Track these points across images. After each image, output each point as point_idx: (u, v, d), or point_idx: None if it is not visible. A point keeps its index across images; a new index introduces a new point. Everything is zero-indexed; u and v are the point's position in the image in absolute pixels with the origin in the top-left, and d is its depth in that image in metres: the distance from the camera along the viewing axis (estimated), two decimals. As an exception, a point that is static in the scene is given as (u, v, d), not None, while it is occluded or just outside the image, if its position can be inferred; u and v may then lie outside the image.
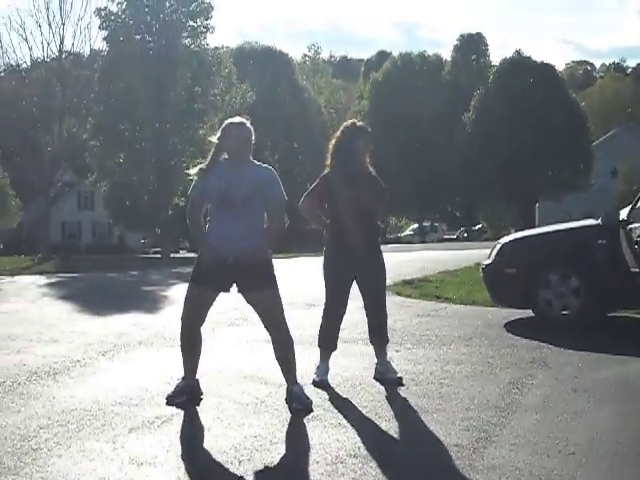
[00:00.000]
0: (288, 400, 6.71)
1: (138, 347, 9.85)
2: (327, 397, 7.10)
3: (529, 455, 5.38)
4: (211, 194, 6.67)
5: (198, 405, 6.79)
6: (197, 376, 6.95)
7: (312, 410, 6.56)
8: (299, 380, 6.83)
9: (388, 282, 8.20)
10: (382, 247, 7.87)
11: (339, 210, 7.63)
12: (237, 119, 6.87)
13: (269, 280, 6.66)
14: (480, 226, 74.39)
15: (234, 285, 6.71)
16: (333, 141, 7.68)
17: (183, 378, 6.92)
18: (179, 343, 6.95)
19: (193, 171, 6.89)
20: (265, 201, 6.66)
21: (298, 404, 6.62)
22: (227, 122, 6.82)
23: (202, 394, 6.96)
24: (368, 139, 7.64)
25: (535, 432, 5.92)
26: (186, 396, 6.83)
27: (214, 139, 6.80)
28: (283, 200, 6.72)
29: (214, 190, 6.63)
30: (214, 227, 6.72)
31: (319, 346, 7.78)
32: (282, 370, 6.81)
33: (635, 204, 10.59)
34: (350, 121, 7.88)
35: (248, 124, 6.77)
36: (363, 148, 7.58)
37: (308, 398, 6.71)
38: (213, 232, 6.71)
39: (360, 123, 7.90)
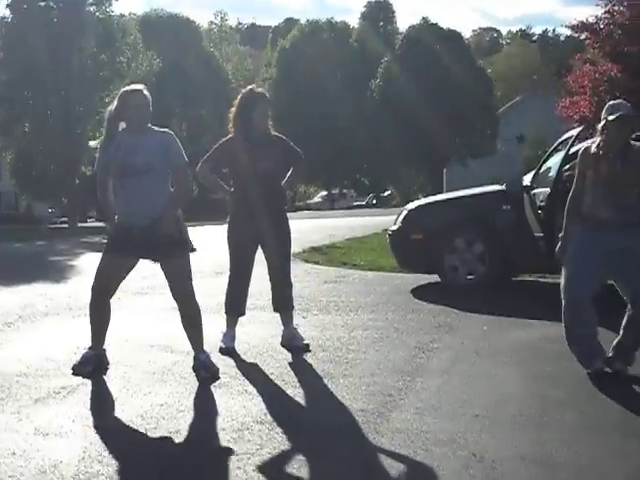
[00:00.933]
0: (195, 368, 6.67)
1: (44, 318, 9.68)
2: (234, 364, 7.08)
3: (434, 418, 5.43)
4: (113, 165, 6.57)
5: (105, 375, 6.71)
6: (104, 346, 6.86)
7: (219, 377, 6.54)
8: (206, 348, 6.79)
9: (296, 249, 8.21)
10: (291, 214, 7.85)
11: (240, 176, 7.59)
12: (133, 86, 6.75)
13: (177, 248, 6.59)
14: (389, 193, 74.84)
15: (152, 256, 6.64)
16: (233, 108, 7.61)
17: (90, 348, 6.83)
18: (87, 312, 6.85)
19: (94, 143, 6.79)
20: (170, 167, 6.59)
21: (205, 372, 6.59)
22: (123, 90, 6.72)
23: (109, 363, 6.88)
24: (266, 104, 7.58)
25: (440, 396, 5.99)
26: (92, 366, 6.74)
27: (112, 108, 6.67)
28: (185, 163, 6.64)
29: (114, 160, 6.53)
30: (119, 198, 6.62)
31: (225, 313, 7.75)
32: (189, 338, 6.77)
33: (538, 170, 10.73)
34: (248, 87, 7.82)
35: (145, 91, 6.65)
36: (262, 113, 7.51)
37: (215, 366, 6.69)
38: (118, 203, 6.63)
39: (259, 89, 7.85)
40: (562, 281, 6.60)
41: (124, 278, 6.76)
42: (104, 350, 6.88)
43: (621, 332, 6.54)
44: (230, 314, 7.74)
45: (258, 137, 7.47)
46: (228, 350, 7.47)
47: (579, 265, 6.41)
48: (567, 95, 23.33)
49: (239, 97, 7.63)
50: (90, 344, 6.83)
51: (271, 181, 7.51)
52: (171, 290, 6.73)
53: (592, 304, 6.46)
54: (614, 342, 6.57)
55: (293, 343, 7.65)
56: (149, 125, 6.64)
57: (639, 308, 6.40)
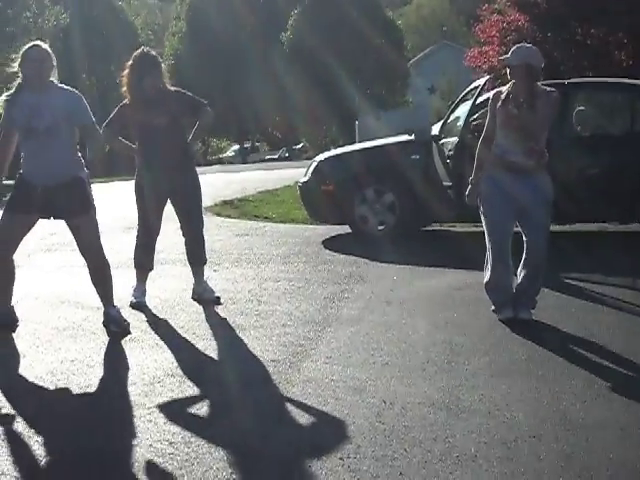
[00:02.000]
0: (105, 323, 6.63)
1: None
2: (145, 318, 7.05)
3: (344, 367, 5.48)
4: (17, 125, 6.44)
5: (14, 332, 6.62)
6: (12, 302, 6.76)
7: (129, 332, 6.52)
8: (116, 303, 6.75)
9: (208, 203, 8.17)
10: (203, 168, 7.80)
11: (140, 135, 7.56)
12: (32, 43, 6.61)
13: (83, 205, 6.50)
14: (301, 145, 74.68)
15: (56, 214, 6.54)
16: (126, 71, 7.52)
17: None
18: None
19: (2, 97, 6.62)
20: (75, 125, 6.50)
21: (115, 326, 6.55)
22: (24, 48, 6.56)
23: (17, 321, 6.78)
24: (156, 70, 7.47)
25: (350, 345, 6.04)
26: (1, 323, 6.64)
27: (15, 66, 6.52)
28: (92, 121, 6.54)
29: (18, 120, 6.40)
30: (24, 157, 6.51)
31: (135, 267, 7.69)
32: (99, 294, 6.72)
33: (447, 119, 10.79)
34: (139, 50, 7.70)
35: (44, 46, 6.51)
36: (153, 80, 7.41)
37: (125, 321, 6.66)
38: (24, 162, 6.52)
39: (146, 50, 7.72)
40: (485, 226, 6.67)
41: (25, 235, 6.62)
42: (12, 307, 6.78)
43: (518, 276, 6.67)
44: (139, 268, 7.69)
45: (152, 96, 7.39)
46: (139, 304, 7.43)
47: (496, 207, 6.52)
48: (476, 45, 23.53)
49: (131, 61, 7.51)
50: None
51: (171, 136, 7.43)
52: (78, 246, 6.64)
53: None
54: (514, 287, 6.70)
55: (204, 296, 7.63)
56: (54, 82, 6.51)
57: (531, 255, 6.55)
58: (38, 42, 6.57)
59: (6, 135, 6.56)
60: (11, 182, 6.61)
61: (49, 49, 6.50)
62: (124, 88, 7.54)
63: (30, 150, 6.41)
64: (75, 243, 6.67)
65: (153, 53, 7.66)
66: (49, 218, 6.56)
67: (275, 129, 76.45)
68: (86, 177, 6.57)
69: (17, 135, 6.51)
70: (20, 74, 6.47)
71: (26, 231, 6.62)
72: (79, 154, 6.60)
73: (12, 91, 6.53)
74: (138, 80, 7.38)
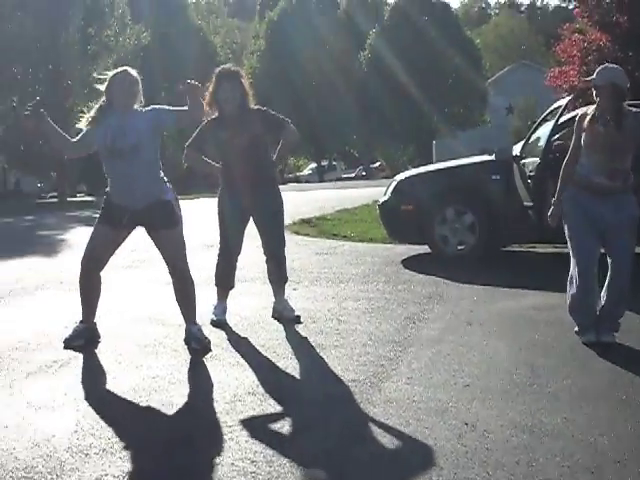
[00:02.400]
0: (187, 340, 6.69)
1: (35, 292, 9.68)
2: (225, 336, 7.09)
3: (425, 388, 5.45)
4: (99, 146, 6.57)
5: (96, 348, 6.72)
6: (95, 319, 6.87)
7: (210, 350, 6.56)
8: (198, 320, 6.80)
9: (286, 221, 8.20)
10: (280, 187, 7.84)
11: (223, 154, 7.64)
12: (121, 68, 6.74)
13: (170, 220, 6.59)
14: (378, 164, 74.70)
15: (144, 228, 6.67)
16: (209, 88, 7.59)
17: (81, 321, 6.84)
18: (77, 286, 6.83)
19: (82, 124, 6.75)
20: (168, 125, 6.75)
21: (196, 344, 6.60)
22: (112, 72, 6.69)
23: (100, 337, 6.89)
24: (230, 82, 7.51)
25: (431, 365, 6.01)
26: (84, 339, 6.76)
27: (102, 88, 6.65)
28: (174, 110, 6.66)
29: (101, 142, 6.53)
30: (110, 180, 6.63)
31: (216, 285, 7.76)
32: (181, 310, 6.78)
33: (528, 139, 10.72)
34: (221, 66, 7.79)
35: (133, 72, 6.65)
36: (227, 92, 7.46)
37: (206, 338, 6.70)
38: (111, 185, 6.65)
39: (227, 66, 7.80)
40: (570, 248, 6.61)
41: (115, 250, 6.75)
42: (95, 324, 6.89)
43: (602, 299, 6.59)
44: (220, 286, 7.75)
45: (235, 114, 7.46)
46: (219, 322, 7.49)
47: (581, 229, 6.48)
48: (556, 65, 23.32)
49: (212, 78, 7.60)
50: (81, 318, 6.84)
51: (253, 154, 7.48)
52: (165, 262, 6.73)
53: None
54: (598, 310, 6.62)
55: (284, 315, 7.66)
56: (136, 107, 6.64)
57: (616, 278, 6.46)
58: (127, 68, 6.69)
59: (78, 144, 6.76)
60: (87, 197, 6.75)
61: (137, 75, 6.63)
62: (206, 103, 7.62)
63: (116, 172, 6.53)
64: (156, 259, 6.75)
65: (235, 68, 7.74)
66: (134, 228, 6.70)
67: (352, 148, 76.56)
68: (173, 199, 6.66)
69: (91, 150, 6.69)
70: (105, 96, 6.60)
71: (116, 246, 6.74)
72: (163, 175, 6.69)
73: (93, 113, 6.66)
74: (219, 95, 7.46)
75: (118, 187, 6.57)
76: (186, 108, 6.51)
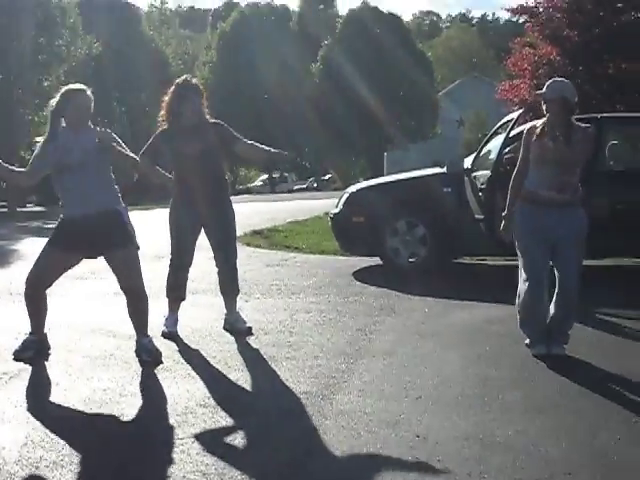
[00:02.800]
0: (137, 352, 6.64)
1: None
2: (176, 348, 7.05)
3: (377, 400, 5.46)
4: (49, 162, 6.54)
5: (47, 360, 6.65)
6: (45, 330, 6.81)
7: (161, 362, 6.52)
8: (149, 332, 6.76)
9: (238, 232, 8.16)
10: (232, 198, 7.82)
11: (176, 163, 7.63)
12: (77, 86, 6.69)
13: (125, 238, 6.56)
14: (329, 176, 74.80)
15: (96, 251, 6.60)
16: (166, 97, 7.59)
17: (31, 333, 6.76)
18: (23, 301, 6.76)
19: (39, 138, 6.75)
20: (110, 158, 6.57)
21: (147, 356, 6.56)
22: (66, 88, 6.65)
23: (50, 348, 6.82)
24: (197, 97, 7.52)
25: (383, 377, 6.02)
26: (34, 351, 6.68)
27: (53, 103, 6.61)
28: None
29: (51, 158, 6.51)
30: (62, 194, 6.58)
31: (167, 297, 7.71)
32: (133, 323, 6.73)
33: (479, 152, 10.79)
34: (181, 78, 7.79)
35: (89, 92, 6.62)
36: (193, 106, 7.46)
37: (157, 350, 6.66)
38: (63, 200, 6.60)
39: (186, 78, 7.80)
40: (520, 263, 6.67)
41: (63, 272, 6.70)
42: (45, 335, 6.82)
43: (550, 311, 6.65)
44: (171, 298, 7.71)
45: (189, 124, 7.45)
46: (171, 334, 7.45)
47: (531, 243, 6.52)
48: (507, 78, 23.50)
49: (171, 89, 7.59)
50: (30, 329, 6.76)
51: (206, 166, 7.46)
52: (118, 280, 6.67)
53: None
54: (547, 322, 6.67)
55: (236, 327, 7.64)
56: (89, 124, 6.61)
57: (564, 290, 6.52)
58: (82, 87, 6.65)
59: (30, 172, 6.74)
60: (42, 209, 6.74)
61: (91, 95, 6.61)
62: (162, 113, 7.60)
63: (66, 184, 6.50)
64: (107, 271, 6.70)
65: (195, 81, 7.73)
66: (95, 257, 6.64)
67: (304, 159, 76.66)
68: (124, 210, 6.62)
69: (47, 171, 6.63)
70: (55, 110, 6.57)
71: (64, 270, 6.69)
72: (116, 188, 6.65)
73: (49, 130, 6.63)
74: (177, 107, 7.45)
75: (70, 198, 6.51)
76: (134, 158, 6.63)
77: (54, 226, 6.72)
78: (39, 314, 6.72)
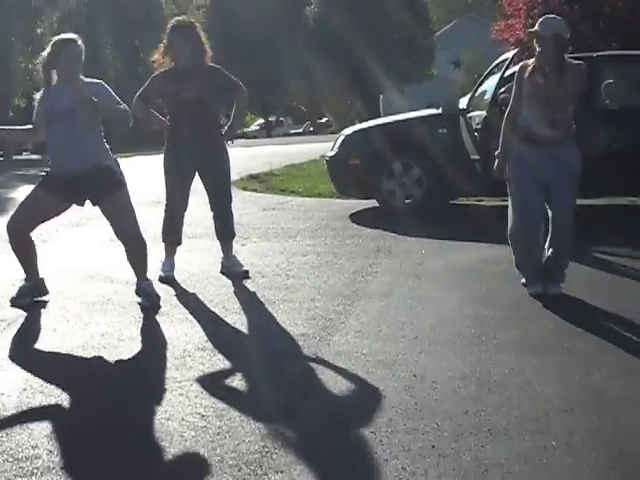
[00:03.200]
0: (137, 295, 6.67)
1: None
2: (174, 292, 7.08)
3: (374, 341, 5.48)
4: (44, 114, 6.50)
5: (44, 306, 6.66)
6: (42, 276, 6.81)
7: (160, 307, 6.54)
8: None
9: (234, 177, 8.17)
10: (228, 142, 7.79)
11: (171, 106, 7.60)
12: (67, 35, 6.60)
13: (113, 185, 6.52)
14: (326, 119, 74.51)
15: (85, 200, 6.57)
16: (163, 40, 7.54)
17: (25, 279, 6.76)
18: (10, 248, 6.74)
19: (38, 95, 6.67)
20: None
21: (146, 300, 6.59)
22: (56, 38, 6.55)
23: (47, 293, 6.83)
24: (189, 33, 7.47)
25: (380, 318, 6.04)
26: (30, 297, 6.70)
27: (44, 55, 6.51)
28: (117, 101, 6.55)
29: (46, 110, 6.46)
30: (50, 145, 6.53)
31: (163, 242, 7.72)
32: (133, 269, 6.73)
33: (474, 93, 10.74)
34: (174, 19, 7.74)
35: (79, 42, 6.53)
36: (188, 41, 7.41)
37: (157, 295, 6.69)
38: (50, 151, 6.55)
39: (182, 19, 7.77)
40: (510, 204, 6.66)
41: (49, 216, 6.66)
42: (42, 280, 6.82)
43: (546, 250, 6.65)
44: (168, 243, 7.71)
45: (188, 68, 7.40)
46: (168, 279, 7.46)
47: (525, 182, 6.49)
48: (502, 18, 23.32)
49: (168, 29, 7.54)
50: (24, 276, 6.76)
51: (201, 110, 7.43)
52: (113, 226, 6.65)
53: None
54: (543, 262, 6.68)
55: (233, 270, 7.65)
56: (80, 76, 6.53)
57: (558, 229, 6.51)
58: (73, 36, 6.55)
59: (35, 129, 6.68)
60: (33, 156, 6.69)
61: (82, 45, 6.54)
62: (156, 56, 7.55)
63: (54, 137, 6.44)
64: (102, 218, 6.69)
65: (190, 21, 7.68)
66: (82, 204, 6.60)
67: (299, 103, 76.32)
68: (113, 164, 6.58)
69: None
70: (47, 61, 6.49)
71: (52, 213, 6.65)
72: (104, 142, 6.61)
73: (46, 81, 6.55)
74: (172, 49, 7.40)
75: (58, 153, 6.46)
76: (126, 109, 6.56)
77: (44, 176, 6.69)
78: (29, 259, 6.70)
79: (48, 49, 6.50)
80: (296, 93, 70.70)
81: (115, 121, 6.59)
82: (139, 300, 6.62)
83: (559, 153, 6.43)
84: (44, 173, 6.68)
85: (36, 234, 6.69)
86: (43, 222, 6.68)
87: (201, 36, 7.53)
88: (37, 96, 6.67)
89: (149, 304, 6.55)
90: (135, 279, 6.72)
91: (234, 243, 7.92)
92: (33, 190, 6.61)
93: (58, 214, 6.70)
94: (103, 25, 51.78)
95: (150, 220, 8.79)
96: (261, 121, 75.10)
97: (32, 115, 6.71)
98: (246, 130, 71.19)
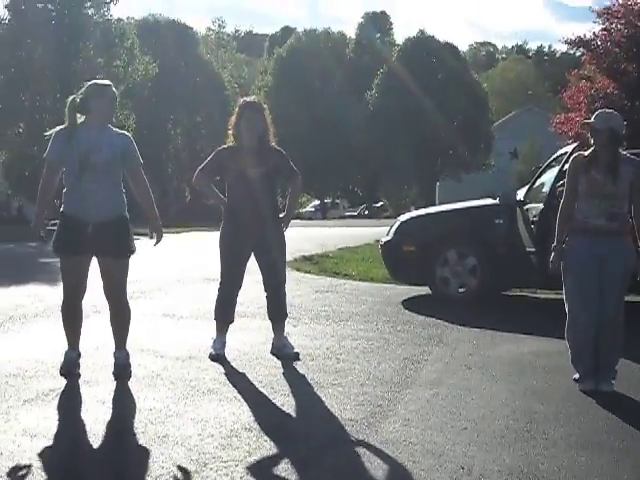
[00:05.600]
0: (115, 364, 6.76)
1: (34, 319, 9.65)
2: (223, 371, 7.07)
3: (422, 430, 5.43)
4: (71, 159, 6.49)
5: (94, 379, 6.68)
6: (96, 347, 6.87)
7: (129, 377, 6.64)
8: (197, 353, 6.79)
9: (288, 257, 8.20)
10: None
11: (231, 183, 7.68)
12: (104, 81, 6.78)
13: (124, 248, 6.63)
14: (381, 204, 74.83)
15: (95, 250, 6.61)
16: (232, 117, 7.69)
17: (72, 349, 6.78)
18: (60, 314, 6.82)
19: (50, 132, 6.71)
20: (126, 167, 6.65)
21: (119, 370, 6.68)
22: (94, 82, 6.69)
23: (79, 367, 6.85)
24: (254, 113, 7.59)
25: (429, 407, 5.99)
26: (77, 367, 6.74)
27: (76, 97, 6.62)
28: (140, 163, 6.71)
29: (74, 155, 6.46)
30: (73, 193, 6.56)
31: (215, 319, 7.74)
32: (114, 335, 6.80)
33: (532, 185, 10.76)
34: (244, 98, 7.90)
35: (113, 87, 6.71)
36: (249, 122, 7.54)
37: (129, 367, 6.76)
38: (71, 198, 6.57)
39: (251, 99, 7.93)
40: (565, 296, 6.62)
41: (87, 274, 6.70)
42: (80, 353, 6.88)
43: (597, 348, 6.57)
44: (220, 321, 7.74)
45: (254, 146, 7.51)
46: (218, 356, 7.47)
47: (582, 277, 6.45)
48: (562, 111, 23.41)
49: (237, 107, 7.71)
50: (68, 345, 6.80)
51: (263, 189, 7.53)
52: (105, 286, 6.71)
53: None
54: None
55: (283, 351, 7.65)
56: (109, 125, 6.69)
57: (610, 323, 6.46)
58: (108, 82, 6.73)
59: (54, 168, 6.64)
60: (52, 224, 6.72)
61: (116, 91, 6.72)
62: (228, 132, 7.68)
63: (84, 186, 6.47)
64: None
65: (258, 101, 7.82)
66: (94, 255, 6.65)
67: (356, 186, 76.79)
68: (128, 219, 6.69)
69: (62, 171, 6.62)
70: (80, 106, 6.58)
71: (86, 270, 6.69)
72: (124, 194, 6.71)
73: (71, 122, 6.60)
74: (239, 126, 7.52)
75: (83, 201, 6.48)
76: (141, 182, 6.73)
77: (53, 229, 6.70)
78: (77, 329, 6.79)
79: (82, 91, 6.61)
80: (353, 176, 71.15)
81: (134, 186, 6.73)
82: (112, 369, 6.70)
83: (616, 245, 6.41)
84: (54, 227, 6.70)
85: (90, 305, 6.75)
86: (85, 282, 6.71)
87: (267, 116, 7.67)
88: (52, 133, 6.65)
89: (121, 374, 6.63)
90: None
91: (286, 324, 7.93)
92: (61, 264, 6.66)
93: (88, 267, 6.70)
94: (166, 101, 52.78)
95: (204, 297, 8.86)
96: (317, 202, 75.56)
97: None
98: (302, 211, 71.71)
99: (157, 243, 6.78)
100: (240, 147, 7.59)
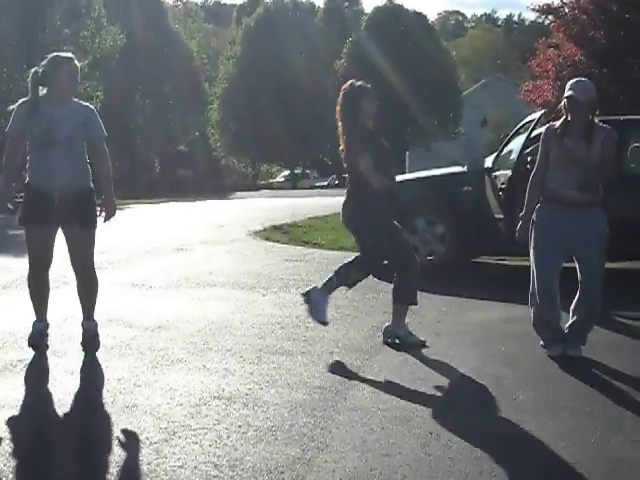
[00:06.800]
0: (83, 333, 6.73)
1: (2, 290, 9.60)
2: (192, 341, 7.05)
3: (391, 397, 5.46)
4: (32, 133, 6.44)
5: (62, 349, 6.66)
6: (64, 319, 6.83)
7: (98, 347, 6.62)
8: (164, 324, 6.78)
9: (257, 227, 8.19)
10: (253, 193, 7.86)
11: (382, 163, 7.65)
12: (65, 54, 6.69)
13: (90, 219, 6.59)
14: (351, 173, 74.68)
15: (61, 221, 6.56)
16: (338, 107, 7.76)
17: (39, 320, 6.74)
18: (26, 286, 6.79)
19: (14, 106, 6.63)
20: (87, 139, 6.58)
21: (86, 340, 6.67)
22: (56, 55, 6.61)
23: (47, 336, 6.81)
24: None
25: (397, 374, 6.02)
26: (45, 337, 6.71)
27: (38, 70, 6.53)
28: (103, 135, 6.65)
29: (36, 130, 6.41)
30: (36, 166, 6.52)
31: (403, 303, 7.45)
32: (83, 307, 6.77)
33: (500, 152, 10.76)
34: (349, 82, 7.76)
35: (75, 60, 6.63)
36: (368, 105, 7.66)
37: (98, 336, 6.73)
38: (36, 171, 6.53)
39: (359, 83, 7.78)
40: (532, 265, 6.64)
41: (52, 246, 6.64)
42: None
43: (571, 314, 6.61)
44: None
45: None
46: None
47: (546, 245, 6.47)
48: (531, 79, 23.46)
49: (343, 94, 7.59)
50: (37, 316, 6.75)
51: None
52: (71, 256, 6.68)
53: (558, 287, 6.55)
54: (567, 325, 6.63)
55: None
56: (74, 97, 6.64)
57: (587, 294, 6.48)
58: (71, 55, 6.66)
59: (16, 143, 6.59)
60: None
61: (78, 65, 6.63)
62: (339, 123, 7.68)
63: (45, 160, 6.43)
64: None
65: (363, 84, 7.72)
66: (61, 226, 6.61)
67: (326, 156, 76.62)
68: (93, 192, 6.65)
69: (25, 145, 6.56)
70: (40, 79, 6.51)
71: (52, 241, 6.63)
72: (88, 166, 6.66)
73: (30, 97, 6.54)
74: (356, 112, 7.63)
75: (48, 174, 6.43)
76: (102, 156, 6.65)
77: (21, 201, 6.65)
78: (45, 300, 6.75)
79: (43, 64, 6.53)
80: (323, 146, 70.99)
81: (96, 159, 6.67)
82: (81, 340, 6.68)
83: (587, 216, 6.41)
84: (20, 199, 6.67)
85: (58, 276, 6.71)
86: (52, 253, 6.67)
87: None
88: (15, 108, 6.61)
89: (89, 345, 6.62)
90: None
91: (255, 293, 7.92)
92: (26, 236, 6.62)
93: (54, 239, 6.65)
94: (134, 72, 52.40)
95: (172, 268, 8.83)
96: (287, 172, 75.39)
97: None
98: (272, 181, 71.58)
99: (107, 220, 6.68)
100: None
